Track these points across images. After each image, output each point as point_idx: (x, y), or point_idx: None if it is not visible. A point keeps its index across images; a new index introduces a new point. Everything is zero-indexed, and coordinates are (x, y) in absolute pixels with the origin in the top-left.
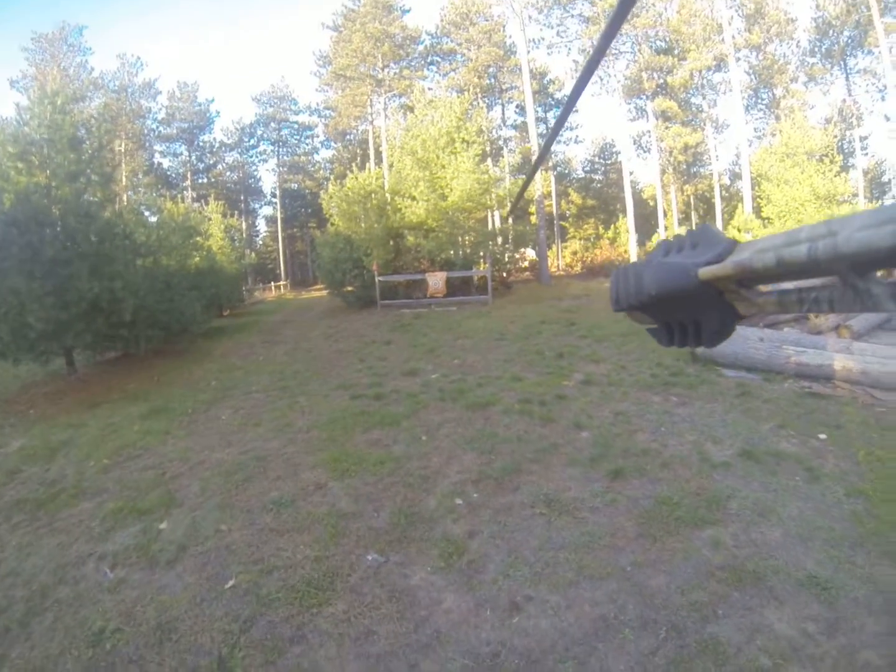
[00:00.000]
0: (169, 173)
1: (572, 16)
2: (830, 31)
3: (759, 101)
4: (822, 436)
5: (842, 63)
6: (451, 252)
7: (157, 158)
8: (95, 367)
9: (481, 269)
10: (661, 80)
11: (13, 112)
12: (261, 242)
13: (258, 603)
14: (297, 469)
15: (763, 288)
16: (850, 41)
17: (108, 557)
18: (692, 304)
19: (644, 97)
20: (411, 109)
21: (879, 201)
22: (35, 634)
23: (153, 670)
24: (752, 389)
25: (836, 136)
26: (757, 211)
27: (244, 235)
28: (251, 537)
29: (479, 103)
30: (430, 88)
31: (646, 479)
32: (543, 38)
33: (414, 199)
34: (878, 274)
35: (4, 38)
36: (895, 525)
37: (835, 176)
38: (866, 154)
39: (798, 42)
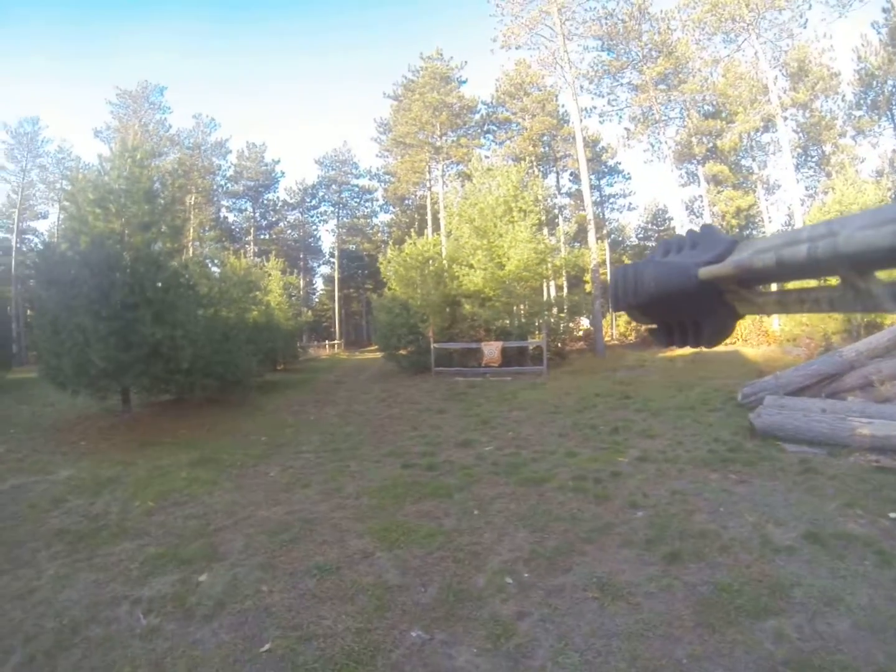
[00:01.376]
0: (233, 228)
1: (621, 84)
2: (874, 82)
3: (809, 158)
4: (894, 515)
5: (889, 113)
6: (507, 321)
7: (224, 213)
8: (149, 408)
9: (537, 339)
10: (711, 144)
11: (96, 161)
12: (317, 301)
13: (293, 671)
14: (344, 535)
15: (763, 288)
16: (894, 90)
17: (144, 602)
18: (692, 304)
19: (694, 162)
20: (469, 177)
21: None
22: (59, 669)
23: None
24: (816, 465)
25: (889, 189)
26: None
27: (301, 293)
28: (292, 601)
29: (534, 171)
30: (486, 157)
31: (704, 564)
32: (595, 107)
33: (471, 267)
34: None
35: (90, 88)
36: None
37: None
38: None
39: (843, 96)
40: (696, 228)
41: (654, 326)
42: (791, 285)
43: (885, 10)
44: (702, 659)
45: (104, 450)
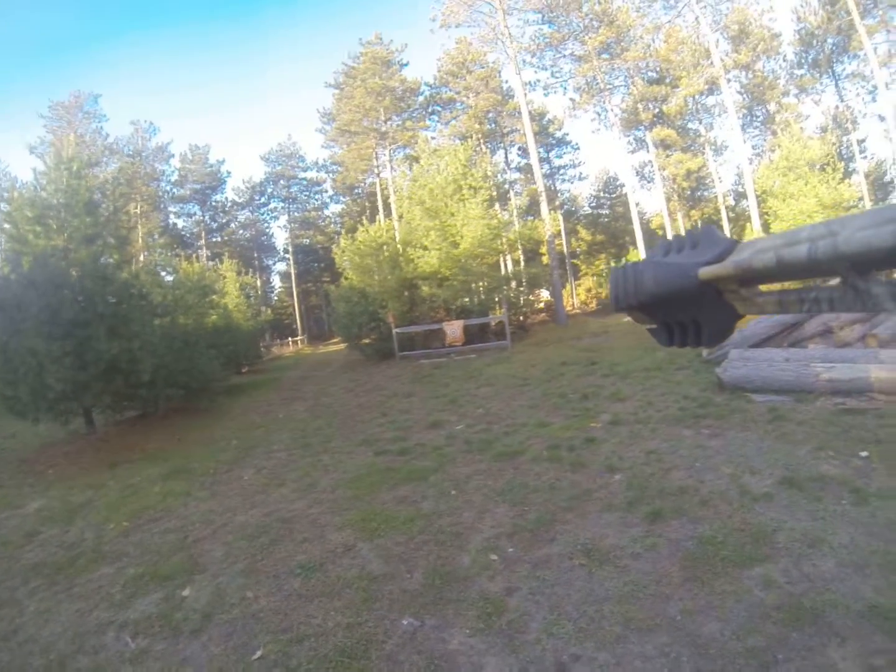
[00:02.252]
0: (183, 233)
1: (564, 56)
2: (814, 41)
3: (755, 118)
4: (864, 453)
5: (830, 70)
6: (467, 299)
7: (172, 219)
8: (115, 426)
9: (497, 314)
10: (657, 110)
11: (31, 177)
12: (276, 298)
13: None
14: (323, 530)
15: (763, 288)
16: (834, 48)
17: (130, 626)
18: (692, 304)
19: (642, 128)
20: (416, 160)
21: (884, 202)
22: None
23: None
24: (785, 413)
25: (834, 144)
26: (765, 228)
27: (259, 292)
28: (279, 604)
29: (482, 149)
30: (433, 138)
31: (686, 519)
32: (539, 80)
33: (426, 248)
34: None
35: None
36: None
37: (838, 183)
38: (865, 157)
39: (784, 56)
40: (644, 203)
41: (654, 326)
42: (791, 285)
43: None
44: (694, 613)
45: (73, 475)
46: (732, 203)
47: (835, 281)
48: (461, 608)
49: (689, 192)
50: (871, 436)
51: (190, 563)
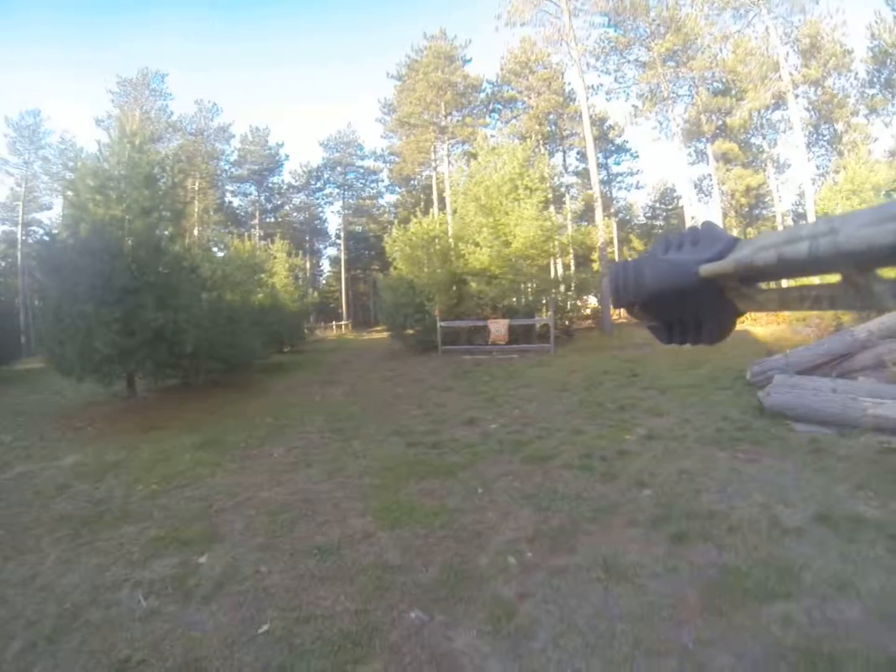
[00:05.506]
0: (238, 212)
1: (628, 61)
2: (888, 60)
3: (821, 137)
4: None
5: None
6: (514, 299)
7: (228, 198)
8: (155, 393)
9: (544, 316)
10: (720, 122)
11: (95, 149)
12: (324, 282)
13: (290, 652)
14: (345, 515)
15: (764, 285)
16: None
17: (144, 585)
18: (693, 302)
19: (703, 140)
20: (474, 156)
21: None
22: (60, 654)
23: None
24: (826, 445)
25: None
26: None
27: (308, 275)
28: (291, 582)
29: (540, 150)
30: (492, 135)
31: (711, 545)
32: (602, 85)
33: (477, 245)
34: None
35: (91, 77)
36: None
37: None
38: None
39: (856, 74)
40: (700, 217)
41: (655, 324)
42: (792, 282)
43: None
44: (708, 644)
45: (109, 435)
46: (791, 223)
47: (836, 278)
48: (471, 608)
49: (746, 209)
50: None
51: (210, 532)
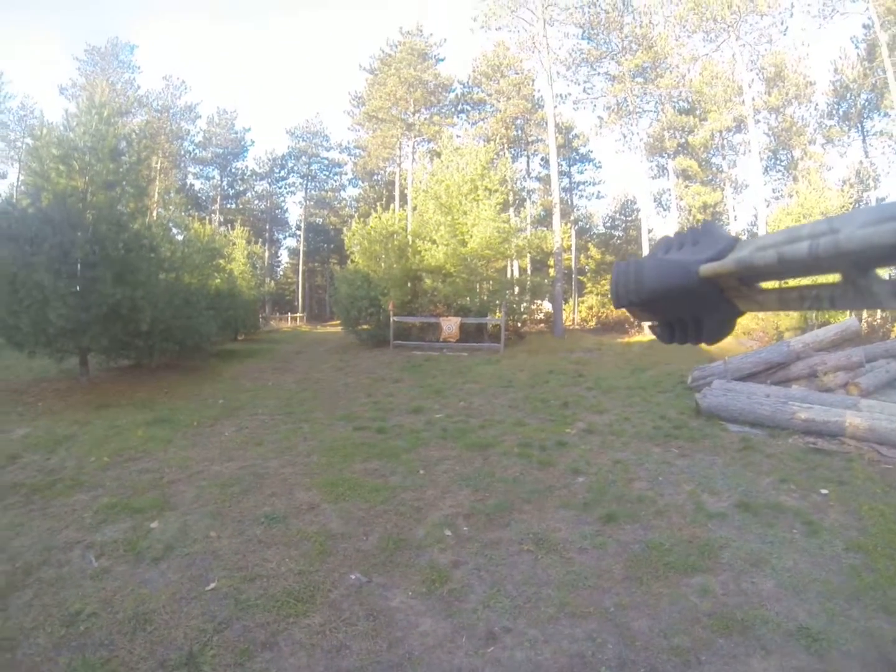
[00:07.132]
0: (199, 195)
1: (598, 73)
2: (848, 94)
3: (778, 161)
4: (825, 491)
5: (859, 125)
6: (468, 298)
7: (190, 179)
8: (107, 372)
9: (496, 317)
10: (683, 140)
11: (61, 118)
12: (281, 273)
13: (236, 607)
14: (292, 489)
15: (764, 285)
16: (867, 104)
17: (96, 547)
18: (693, 302)
19: (665, 155)
20: (438, 155)
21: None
22: (12, 607)
23: (122, 656)
24: (756, 444)
25: (852, 198)
26: None
27: (266, 264)
28: (239, 546)
29: (504, 153)
30: (458, 136)
31: (638, 525)
32: (570, 94)
33: (434, 242)
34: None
35: (54, 43)
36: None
37: None
38: None
39: (816, 105)
40: (657, 231)
41: (655, 323)
42: (792, 282)
43: (865, 27)
44: (628, 608)
45: (61, 410)
46: None
47: (836, 278)
48: (408, 573)
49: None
50: (836, 476)
51: (161, 501)
